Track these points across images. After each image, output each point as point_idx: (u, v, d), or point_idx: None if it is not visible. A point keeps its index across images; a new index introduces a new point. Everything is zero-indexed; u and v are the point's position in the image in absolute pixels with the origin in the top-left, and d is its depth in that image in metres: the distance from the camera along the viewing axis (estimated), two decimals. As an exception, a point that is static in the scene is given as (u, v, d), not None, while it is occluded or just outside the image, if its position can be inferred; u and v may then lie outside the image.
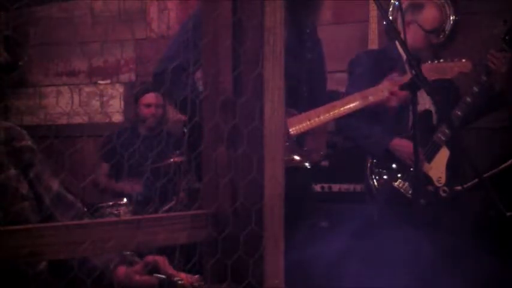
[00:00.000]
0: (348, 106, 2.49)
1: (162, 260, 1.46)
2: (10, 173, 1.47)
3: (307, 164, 2.37)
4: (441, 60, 2.84)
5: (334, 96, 2.70)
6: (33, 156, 1.54)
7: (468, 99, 3.06)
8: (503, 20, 3.24)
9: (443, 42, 3.80)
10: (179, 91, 2.20)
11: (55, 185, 1.57)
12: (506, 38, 3.09)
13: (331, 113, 2.46)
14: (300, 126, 2.38)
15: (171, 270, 1.45)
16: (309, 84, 2.52)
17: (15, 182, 1.47)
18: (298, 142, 2.42)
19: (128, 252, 1.53)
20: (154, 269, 1.45)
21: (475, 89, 3.07)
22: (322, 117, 2.43)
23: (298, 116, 2.40)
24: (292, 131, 2.36)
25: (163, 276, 1.43)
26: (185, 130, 2.59)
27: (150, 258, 1.47)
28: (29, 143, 1.54)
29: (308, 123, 2.41)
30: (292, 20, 2.37)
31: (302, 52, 2.48)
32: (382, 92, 2.55)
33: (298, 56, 2.46)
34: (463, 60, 2.90)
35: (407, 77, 2.56)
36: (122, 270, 1.48)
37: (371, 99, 2.53)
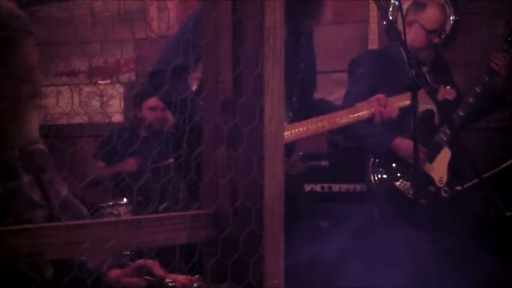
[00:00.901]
0: (336, 121, 2.51)
1: (153, 263, 1.46)
2: (23, 180, 1.45)
3: None
4: None
5: (323, 104, 2.71)
6: (46, 160, 1.53)
7: (470, 99, 3.06)
8: (506, 22, 3.24)
9: (444, 42, 3.80)
10: (173, 92, 2.20)
11: (64, 190, 1.56)
12: (509, 39, 3.09)
13: (319, 125, 2.47)
14: (288, 133, 2.39)
15: (162, 273, 1.45)
16: (300, 94, 2.52)
17: (28, 189, 1.46)
18: (286, 149, 2.42)
19: (127, 253, 1.53)
20: (146, 272, 1.45)
21: (478, 89, 3.07)
22: (310, 127, 2.45)
23: (287, 125, 2.41)
24: None
25: (153, 278, 1.44)
26: (174, 131, 2.59)
27: (140, 261, 1.48)
28: (42, 146, 1.53)
29: (296, 131, 2.42)
30: (289, 29, 2.37)
31: (296, 62, 2.48)
32: (369, 110, 2.56)
33: (292, 65, 2.46)
34: (448, 87, 2.94)
35: (394, 99, 2.58)
36: (113, 273, 1.49)
37: (360, 115, 2.54)
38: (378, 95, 2.59)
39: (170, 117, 4.15)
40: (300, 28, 2.48)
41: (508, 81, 3.14)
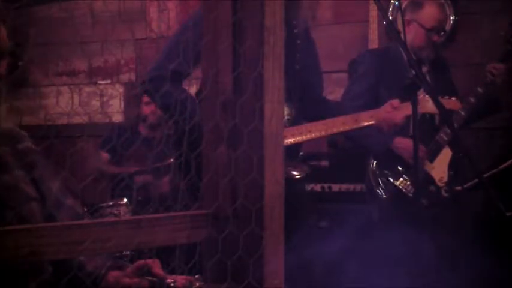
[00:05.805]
0: (341, 127, 2.51)
1: (154, 263, 1.46)
2: (17, 174, 1.46)
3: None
4: None
5: (330, 107, 2.71)
6: (36, 157, 1.53)
7: (472, 99, 3.06)
8: (509, 22, 3.24)
9: (444, 41, 3.80)
10: (168, 97, 2.21)
11: (54, 186, 1.56)
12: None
13: (324, 131, 2.47)
14: (293, 139, 2.39)
15: (163, 273, 1.44)
16: (301, 95, 2.51)
17: (22, 182, 1.46)
18: (292, 151, 2.41)
19: (128, 252, 1.53)
20: (147, 272, 1.45)
21: (479, 89, 3.07)
22: (314, 135, 2.45)
23: (291, 128, 2.41)
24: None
25: (154, 278, 1.43)
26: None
27: (141, 262, 1.47)
28: (30, 144, 1.53)
29: (300, 138, 2.42)
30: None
31: (290, 64, 2.47)
32: (373, 118, 2.56)
33: (286, 68, 2.45)
34: (453, 98, 2.91)
35: (406, 105, 2.56)
36: (112, 275, 1.48)
37: (364, 123, 2.54)
38: (393, 101, 2.58)
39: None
40: (292, 30, 2.47)
41: (503, 90, 3.15)
